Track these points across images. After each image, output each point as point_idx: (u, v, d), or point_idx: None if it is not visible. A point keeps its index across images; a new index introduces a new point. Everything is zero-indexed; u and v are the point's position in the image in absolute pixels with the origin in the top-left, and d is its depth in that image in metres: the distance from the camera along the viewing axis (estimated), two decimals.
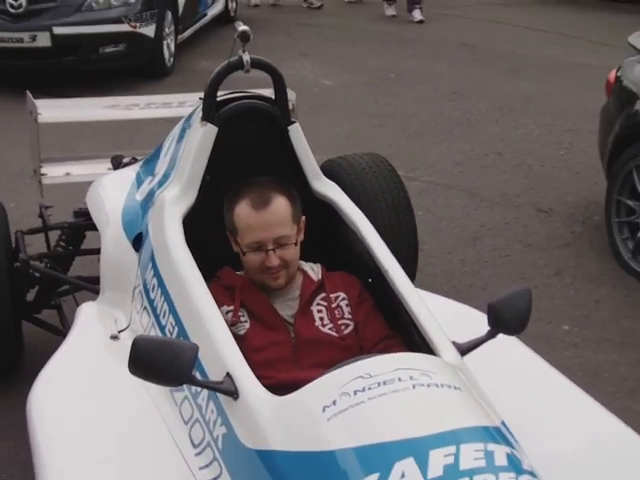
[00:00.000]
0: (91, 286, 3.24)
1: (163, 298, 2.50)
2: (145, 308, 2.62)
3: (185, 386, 2.30)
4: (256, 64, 2.65)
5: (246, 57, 2.62)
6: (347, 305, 2.53)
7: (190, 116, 2.83)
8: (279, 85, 2.73)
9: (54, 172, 3.74)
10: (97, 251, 3.54)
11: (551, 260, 4.68)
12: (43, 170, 3.70)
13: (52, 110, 3.85)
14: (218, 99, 2.71)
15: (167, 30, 8.14)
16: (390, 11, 10.74)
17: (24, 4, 7.13)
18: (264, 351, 2.38)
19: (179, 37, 8.62)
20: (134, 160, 3.51)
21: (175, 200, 2.64)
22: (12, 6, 7.14)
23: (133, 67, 7.86)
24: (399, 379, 1.95)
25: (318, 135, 5.30)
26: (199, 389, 2.23)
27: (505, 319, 2.28)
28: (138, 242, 2.79)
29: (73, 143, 5.74)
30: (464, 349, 2.29)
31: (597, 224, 5.12)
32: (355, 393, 1.92)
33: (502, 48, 9.75)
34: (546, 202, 5.46)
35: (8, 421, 3.20)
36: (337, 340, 2.46)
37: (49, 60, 7.29)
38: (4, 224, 3.37)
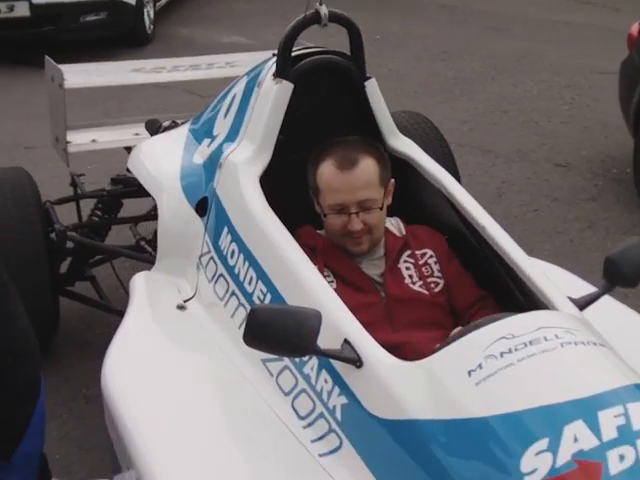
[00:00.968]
0: (141, 255, 3.06)
1: (248, 264, 2.32)
2: (221, 276, 2.44)
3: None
4: (334, 18, 2.46)
5: (324, 10, 2.43)
6: (435, 263, 2.40)
7: (258, 74, 2.64)
8: (356, 40, 2.55)
9: (79, 139, 3.51)
10: (134, 219, 3.38)
11: (580, 214, 4.58)
12: (68, 138, 3.46)
13: (77, 75, 3.61)
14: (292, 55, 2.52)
15: None
16: None
17: None
18: (356, 313, 2.21)
19: (157, 4, 8.36)
20: (175, 123, 3.30)
21: (249, 161, 2.46)
22: None
23: (114, 36, 7.59)
24: (545, 338, 1.81)
25: None
26: (304, 358, 2.06)
27: (622, 272, 2.16)
28: (202, 207, 2.61)
29: None
30: (582, 304, 2.16)
31: (617, 177, 5.05)
32: (502, 355, 1.78)
33: (481, 8, 9.63)
34: (562, 157, 5.36)
35: (52, 398, 3.00)
36: (428, 297, 2.32)
37: (28, 30, 6.99)
38: (36, 194, 3.17)
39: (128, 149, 3.51)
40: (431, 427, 1.76)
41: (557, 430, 1.63)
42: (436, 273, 2.38)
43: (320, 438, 1.99)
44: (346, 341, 1.95)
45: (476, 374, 1.76)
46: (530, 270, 2.24)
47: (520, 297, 2.29)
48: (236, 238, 2.39)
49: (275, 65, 2.53)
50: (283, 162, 2.49)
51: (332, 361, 1.97)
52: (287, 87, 2.46)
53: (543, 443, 1.62)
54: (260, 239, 2.31)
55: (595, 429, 1.63)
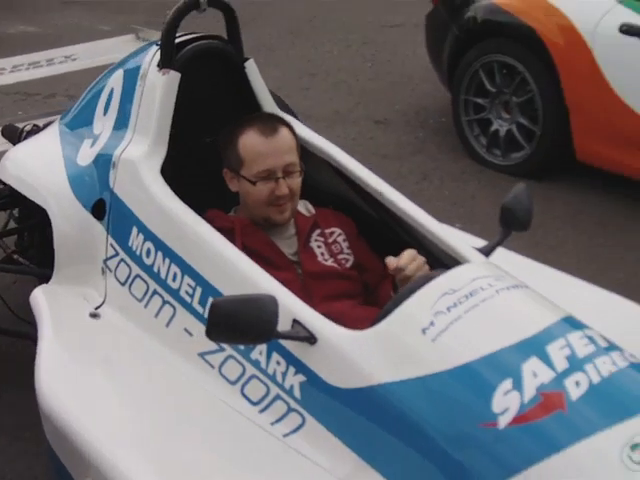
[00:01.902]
0: (19, 268, 2.99)
1: (168, 260, 2.35)
2: (137, 276, 2.45)
3: (226, 346, 2.21)
4: (212, 2, 2.50)
5: None
6: (344, 240, 2.52)
7: (137, 67, 2.61)
8: (233, 22, 2.61)
9: None
10: (9, 232, 3.27)
11: (411, 167, 4.84)
12: None
13: None
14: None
15: None
16: None
17: None
18: None
19: None
20: (37, 127, 3.20)
21: (147, 156, 2.46)
22: None
23: None
24: (482, 288, 1.99)
25: None
26: (249, 346, 2.15)
27: (517, 217, 2.38)
28: (99, 210, 2.59)
29: None
30: (487, 252, 2.37)
31: (434, 127, 5.36)
32: (449, 310, 1.94)
33: None
34: (379, 114, 5.61)
35: None
36: (340, 271, 2.45)
37: None
38: None
39: None
40: (397, 389, 1.89)
41: (517, 369, 1.82)
42: (345, 250, 2.50)
43: (280, 419, 2.08)
44: (295, 321, 2.05)
45: (430, 331, 1.91)
46: (436, 228, 2.42)
47: (426, 256, 2.47)
48: (150, 236, 2.41)
49: (159, 55, 2.53)
50: (177, 152, 2.53)
51: (282, 342, 2.06)
52: (175, 77, 2.49)
53: (508, 384, 1.81)
54: (178, 233, 2.34)
55: (548, 362, 1.83)
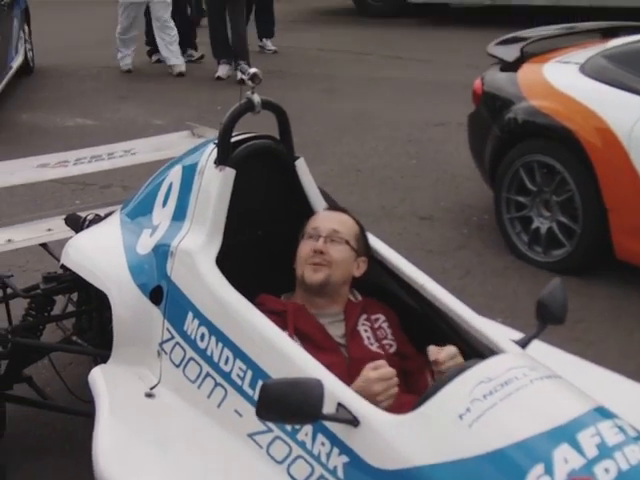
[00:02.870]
0: (79, 348, 3.16)
1: (221, 345, 2.51)
2: (191, 359, 2.61)
3: (275, 427, 2.34)
4: (266, 105, 2.71)
5: (257, 99, 2.67)
6: (388, 327, 2.68)
7: (195, 162, 2.82)
8: (285, 123, 2.81)
9: None
10: (69, 315, 3.46)
11: (456, 262, 4.97)
12: None
13: None
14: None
15: None
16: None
17: None
18: None
19: None
20: (98, 216, 3.42)
21: (203, 246, 2.64)
22: None
23: None
24: (516, 378, 2.11)
25: None
26: (296, 427, 2.27)
27: (552, 311, 2.50)
28: (156, 295, 2.76)
29: None
30: (523, 344, 2.48)
31: (478, 224, 5.50)
32: (485, 397, 2.06)
33: (309, 71, 10.12)
34: (424, 210, 5.77)
35: None
36: (384, 357, 2.58)
37: None
38: None
39: (43, 245, 3.63)
40: (435, 471, 2.00)
41: (548, 455, 1.93)
42: (389, 336, 2.66)
43: None
44: (340, 404, 2.18)
45: (467, 416, 2.03)
46: (474, 320, 2.55)
47: (464, 347, 2.59)
48: (204, 322, 2.57)
49: (216, 153, 2.73)
50: (232, 243, 2.70)
51: (327, 424, 2.19)
52: (230, 173, 2.68)
53: (540, 468, 1.91)
54: (231, 320, 2.50)
55: (579, 449, 1.93)
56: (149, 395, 2.68)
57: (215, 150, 2.74)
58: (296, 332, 2.53)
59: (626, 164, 4.23)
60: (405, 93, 8.95)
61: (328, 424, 2.19)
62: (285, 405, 2.04)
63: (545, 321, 2.52)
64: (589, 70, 4.64)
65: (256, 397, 2.35)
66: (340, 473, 2.17)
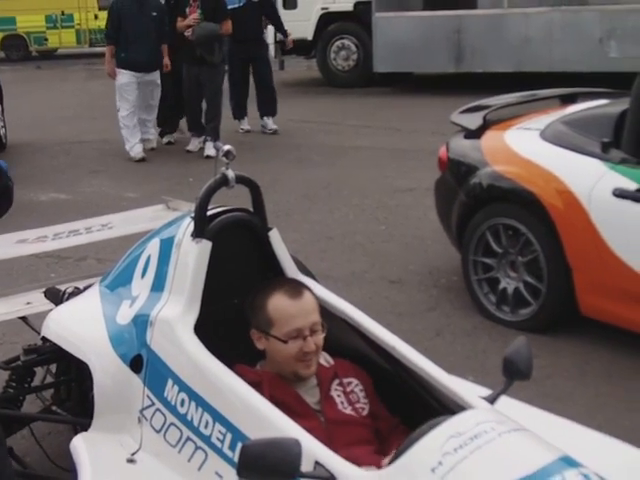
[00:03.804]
0: (75, 419, 3.23)
1: (201, 410, 2.58)
2: (172, 424, 2.68)
3: None
4: (240, 180, 2.84)
5: (231, 174, 2.80)
6: (361, 391, 2.76)
7: (172, 236, 2.93)
8: (258, 197, 2.94)
9: None
10: (49, 385, 3.52)
11: (426, 324, 5.08)
12: None
13: None
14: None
15: None
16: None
17: None
18: None
19: None
20: (77, 289, 3.51)
21: (181, 315, 2.73)
22: None
23: None
24: (485, 431, 2.21)
25: None
26: None
27: (518, 367, 2.61)
28: (136, 364, 2.84)
29: None
30: (491, 400, 2.59)
31: (447, 285, 5.63)
32: (456, 450, 2.15)
33: (279, 141, 10.33)
34: (393, 274, 5.90)
35: None
36: (359, 419, 2.67)
37: None
38: None
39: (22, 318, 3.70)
40: None
41: None
42: (362, 400, 2.74)
43: None
44: (317, 462, 2.27)
45: (439, 470, 2.12)
46: (445, 378, 2.66)
47: (435, 404, 2.70)
48: (184, 388, 2.65)
49: (193, 226, 2.84)
50: (209, 312, 2.80)
51: None
52: (207, 245, 2.79)
53: None
54: (210, 385, 2.58)
55: None
56: (130, 461, 2.75)
57: (192, 223, 2.85)
58: (272, 401, 2.60)
59: (587, 224, 4.39)
60: (373, 161, 9.18)
61: None
62: (264, 464, 2.12)
63: (512, 377, 2.62)
64: (549, 136, 4.83)
65: (236, 459, 2.43)
66: None
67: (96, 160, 9.92)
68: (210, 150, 9.56)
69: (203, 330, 2.75)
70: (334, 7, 14.16)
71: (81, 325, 3.12)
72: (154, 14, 9.44)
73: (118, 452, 2.79)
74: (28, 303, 3.72)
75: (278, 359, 2.66)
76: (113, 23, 9.48)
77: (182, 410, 2.65)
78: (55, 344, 3.23)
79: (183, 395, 2.66)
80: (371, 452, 2.58)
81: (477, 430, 2.21)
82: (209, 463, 2.56)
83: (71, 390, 3.41)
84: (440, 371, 2.71)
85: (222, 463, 2.51)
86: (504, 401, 2.66)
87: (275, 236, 2.97)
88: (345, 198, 7.81)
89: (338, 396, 2.72)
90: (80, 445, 2.84)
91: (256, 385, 2.61)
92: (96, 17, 23.37)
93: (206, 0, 9.43)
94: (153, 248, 3.01)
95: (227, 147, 2.78)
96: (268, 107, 10.86)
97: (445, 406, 2.63)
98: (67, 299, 3.49)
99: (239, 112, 10.90)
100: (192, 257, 2.79)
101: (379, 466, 2.43)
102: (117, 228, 4.13)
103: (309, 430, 2.51)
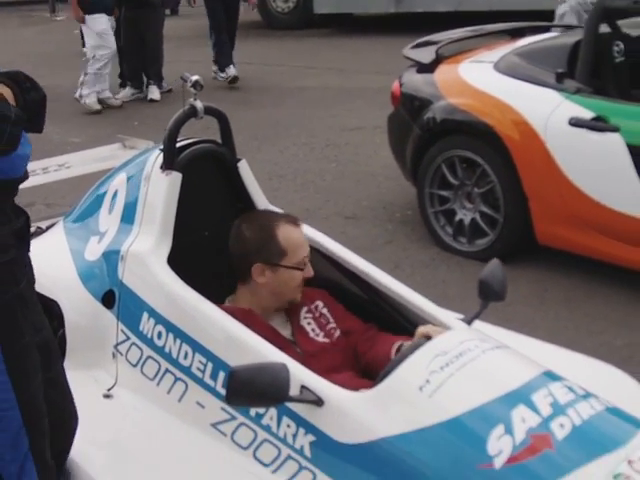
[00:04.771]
0: None
1: (179, 341, 2.57)
2: (149, 358, 2.66)
3: (239, 414, 2.41)
4: (208, 111, 2.79)
5: (199, 105, 2.75)
6: (328, 311, 2.76)
7: (140, 169, 2.88)
8: (226, 128, 2.90)
9: None
10: None
11: (384, 257, 5.09)
12: None
13: None
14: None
15: None
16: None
17: None
18: None
19: None
20: (40, 229, 3.43)
21: (154, 248, 2.70)
22: None
23: None
24: (469, 349, 2.25)
25: None
26: (260, 412, 2.35)
27: (494, 289, 2.64)
28: (108, 300, 2.81)
29: None
30: (468, 322, 2.62)
31: (402, 219, 5.66)
32: (442, 369, 2.18)
33: (222, 84, 10.18)
34: (348, 210, 5.90)
35: None
36: (331, 346, 2.68)
37: None
38: None
39: None
40: (399, 441, 2.12)
41: (507, 417, 2.06)
42: (331, 320, 2.75)
43: (292, 477, 2.28)
44: (303, 387, 2.27)
45: (427, 388, 2.15)
46: (422, 302, 2.67)
47: (412, 329, 2.71)
48: (160, 320, 2.63)
49: (162, 158, 2.79)
50: (181, 244, 2.76)
51: (292, 407, 2.28)
52: (177, 177, 2.75)
53: (500, 429, 2.04)
54: (187, 315, 2.57)
55: (534, 409, 2.08)
56: (107, 396, 2.74)
57: (161, 156, 2.80)
58: None
59: (543, 153, 4.43)
60: (319, 101, 9.11)
61: (293, 406, 2.28)
62: (253, 389, 2.12)
63: (487, 299, 2.65)
64: (503, 67, 4.83)
65: (218, 388, 2.44)
66: (307, 452, 2.27)
67: None
68: (154, 94, 9.39)
69: (174, 264, 2.72)
70: None
71: (48, 264, 3.04)
72: None
73: (93, 388, 2.77)
74: None
75: (284, 289, 2.65)
76: None
77: (159, 343, 2.63)
78: None
79: (160, 328, 2.63)
80: (353, 377, 2.59)
81: (462, 348, 2.24)
82: (190, 394, 2.55)
83: None
84: (416, 295, 2.73)
85: (204, 393, 2.51)
86: (478, 324, 2.70)
87: (244, 167, 2.94)
88: (294, 137, 7.76)
89: (309, 324, 2.72)
90: None
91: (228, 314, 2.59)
92: None
93: None
94: (120, 183, 2.95)
95: (195, 77, 2.73)
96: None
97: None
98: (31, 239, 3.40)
99: (224, 60, 9.99)
100: (162, 189, 2.75)
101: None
102: (75, 168, 4.05)
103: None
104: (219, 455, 2.42)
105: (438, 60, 5.22)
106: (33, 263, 3.11)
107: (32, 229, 3.37)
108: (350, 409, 2.21)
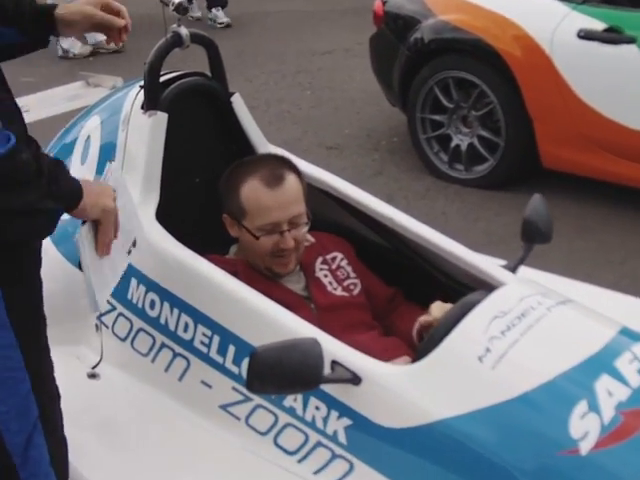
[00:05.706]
0: None
1: (177, 310, 2.17)
2: (141, 330, 2.26)
3: (253, 395, 2.04)
4: (195, 38, 2.34)
5: (184, 31, 2.30)
6: (348, 264, 2.39)
7: (117, 111, 2.44)
8: (216, 58, 2.47)
9: None
10: None
11: (375, 189, 4.61)
12: None
13: None
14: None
15: None
16: None
17: None
18: None
19: None
20: None
21: (139, 203, 2.28)
22: None
23: None
24: (532, 307, 1.88)
25: None
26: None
27: (539, 229, 2.28)
28: None
29: None
30: (512, 268, 2.25)
31: (389, 148, 5.28)
32: (504, 334, 1.82)
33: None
34: (329, 139, 5.50)
35: None
36: (351, 300, 2.31)
37: None
38: None
39: None
40: (459, 424, 1.75)
41: (590, 390, 1.71)
42: (351, 274, 2.37)
43: (323, 467, 1.92)
44: (334, 362, 1.89)
45: (487, 358, 1.78)
46: (459, 249, 2.29)
47: (443, 279, 2.35)
48: (152, 287, 2.22)
49: (142, 96, 2.36)
50: (170, 195, 2.36)
51: (322, 386, 1.90)
52: (162, 117, 2.32)
53: (583, 406, 1.68)
54: (186, 280, 2.16)
55: (621, 379, 1.73)
56: (92, 375, 2.35)
57: (141, 94, 2.37)
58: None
59: (549, 70, 4.05)
60: (284, 25, 8.60)
61: (324, 385, 1.90)
62: (282, 372, 1.74)
63: (532, 240, 2.31)
64: None
65: (227, 365, 2.08)
66: (342, 438, 1.90)
67: None
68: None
69: (164, 218, 2.31)
70: None
71: None
72: None
73: (76, 367, 2.38)
74: None
75: (251, 253, 2.24)
76: None
77: (152, 313, 2.23)
78: None
79: (152, 296, 2.23)
80: (376, 337, 2.23)
81: (523, 307, 1.87)
82: (192, 371, 2.16)
83: None
84: (450, 241, 2.35)
85: (210, 370, 2.12)
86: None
87: (238, 102, 2.52)
88: (261, 65, 7.27)
89: (325, 276, 2.33)
90: None
91: (232, 276, 2.19)
92: None
93: None
94: (92, 127, 2.53)
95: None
96: None
97: (458, 281, 2.28)
98: None
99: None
100: (145, 133, 2.32)
101: (389, 350, 2.09)
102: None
103: None
104: (231, 442, 2.05)
105: None
106: None
107: None
108: (393, 387, 1.83)
